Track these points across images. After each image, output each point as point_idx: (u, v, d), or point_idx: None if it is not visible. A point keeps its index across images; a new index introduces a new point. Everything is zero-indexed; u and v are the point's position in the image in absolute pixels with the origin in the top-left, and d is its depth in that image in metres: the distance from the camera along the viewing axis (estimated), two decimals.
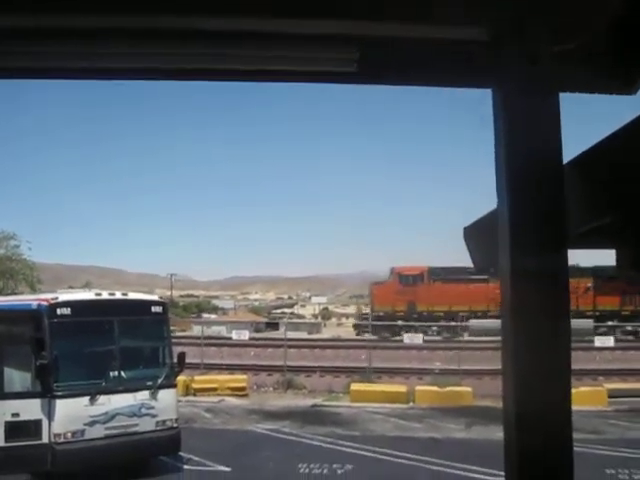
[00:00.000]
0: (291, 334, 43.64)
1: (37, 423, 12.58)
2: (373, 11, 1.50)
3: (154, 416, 13.68)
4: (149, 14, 1.50)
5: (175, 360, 14.77)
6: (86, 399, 12.87)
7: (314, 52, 1.63)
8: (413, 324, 42.33)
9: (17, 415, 12.44)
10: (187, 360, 20.62)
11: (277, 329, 47.75)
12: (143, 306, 14.73)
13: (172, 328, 41.34)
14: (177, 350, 15.75)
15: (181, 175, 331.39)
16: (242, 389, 25.65)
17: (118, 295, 14.60)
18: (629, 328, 42.00)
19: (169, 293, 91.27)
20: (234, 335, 32.24)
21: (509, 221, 1.47)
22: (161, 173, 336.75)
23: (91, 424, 12.85)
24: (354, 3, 1.52)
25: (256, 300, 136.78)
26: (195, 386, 25.40)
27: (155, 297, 15.52)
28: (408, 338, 32.53)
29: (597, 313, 42.58)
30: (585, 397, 21.06)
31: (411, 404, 22.87)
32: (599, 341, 29.68)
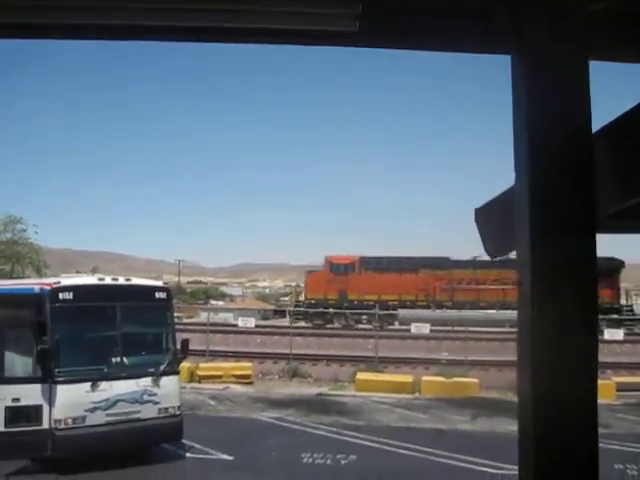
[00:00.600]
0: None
1: (38, 408, 12.46)
2: None
3: (156, 403, 13.55)
4: None
5: (179, 347, 14.63)
6: (87, 385, 12.74)
7: (312, 7, 1.43)
8: (344, 312, 43.87)
9: (18, 400, 12.33)
10: (192, 347, 20.57)
11: (284, 317, 47.76)
12: (146, 292, 14.56)
13: (179, 314, 41.70)
14: (183, 337, 15.64)
15: (191, 161, 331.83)
16: (247, 377, 25.55)
17: (121, 280, 14.44)
18: None
19: (177, 279, 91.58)
20: (240, 322, 32.09)
21: (529, 200, 1.28)
22: (171, 158, 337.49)
23: (92, 410, 12.73)
24: None
25: (265, 287, 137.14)
26: (200, 373, 25.34)
27: (159, 283, 15.34)
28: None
29: None
30: None
31: (417, 394, 22.72)
32: (608, 334, 29.37)
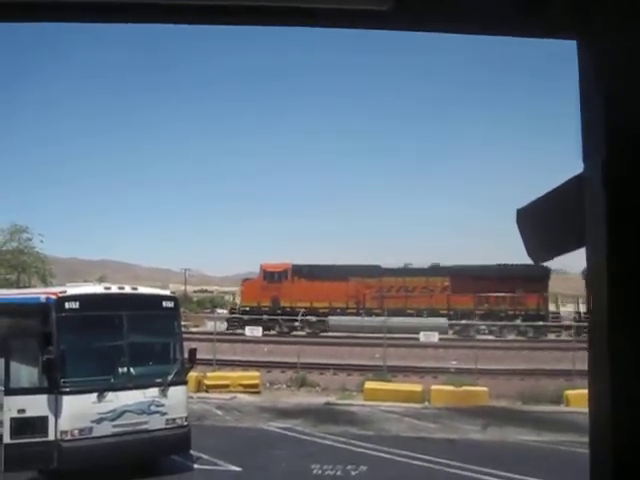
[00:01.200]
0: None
1: (43, 420, 12.28)
2: None
3: (164, 414, 13.36)
4: None
5: (186, 356, 14.46)
6: (94, 396, 12.56)
7: None
8: (277, 318, 44.66)
9: (23, 411, 12.14)
10: (200, 356, 20.43)
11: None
12: (153, 301, 14.41)
13: (186, 323, 41.59)
14: (190, 346, 15.47)
15: (196, 170, 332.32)
16: (255, 386, 25.36)
17: (128, 289, 14.28)
18: (483, 327, 43.48)
19: (183, 288, 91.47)
20: (247, 332, 31.94)
21: (605, 196, 1.12)
22: (175, 167, 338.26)
23: (99, 421, 12.55)
24: None
25: None
26: (207, 382, 25.17)
27: (166, 292, 15.18)
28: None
29: (451, 312, 44.17)
30: None
31: (426, 403, 22.49)
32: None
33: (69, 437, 12.29)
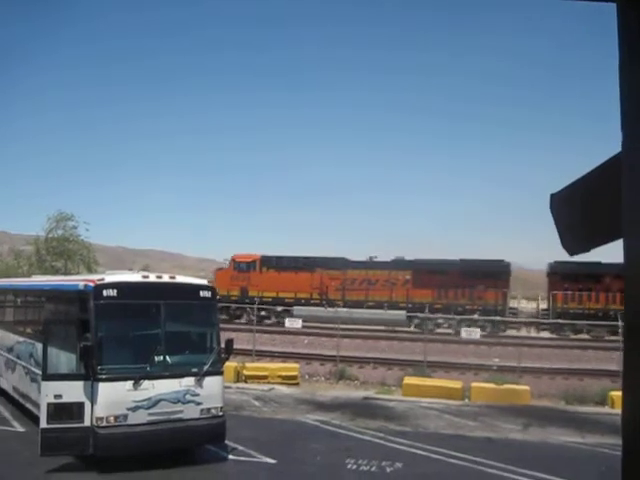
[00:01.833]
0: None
1: (80, 406, 12.34)
2: None
3: (199, 403, 13.32)
4: None
5: (223, 346, 14.40)
6: (130, 383, 12.58)
7: None
8: (245, 307, 45.01)
9: (60, 397, 12.21)
10: (239, 346, 20.43)
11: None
12: (191, 290, 14.35)
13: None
14: (230, 336, 15.40)
15: (241, 159, 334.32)
16: (293, 378, 25.31)
17: (165, 278, 14.25)
18: (441, 321, 44.05)
19: None
20: (287, 323, 31.88)
21: None
22: (222, 157, 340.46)
23: (134, 409, 12.57)
24: None
25: None
26: (246, 373, 25.22)
27: (204, 281, 15.11)
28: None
29: (410, 305, 44.53)
30: None
31: (466, 401, 22.17)
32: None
33: (104, 424, 12.33)
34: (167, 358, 13.25)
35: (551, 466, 14.08)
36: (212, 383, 13.61)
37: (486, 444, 16.20)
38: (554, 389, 24.44)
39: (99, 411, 12.33)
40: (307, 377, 26.98)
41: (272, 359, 29.62)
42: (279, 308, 45.90)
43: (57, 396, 12.21)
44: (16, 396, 17.57)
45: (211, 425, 13.43)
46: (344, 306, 44.96)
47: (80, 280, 14.18)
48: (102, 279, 13.34)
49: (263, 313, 45.55)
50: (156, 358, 13.12)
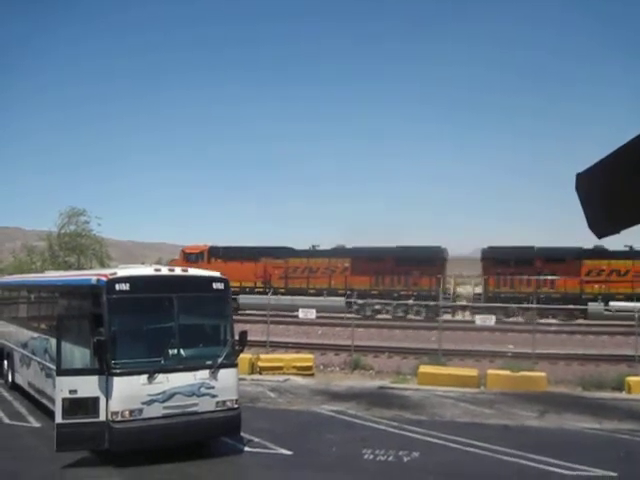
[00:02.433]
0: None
1: (94, 400, 12.33)
2: None
3: (214, 396, 13.27)
4: None
5: (237, 338, 14.35)
6: (144, 377, 12.53)
7: None
8: None
9: (75, 392, 12.20)
10: (253, 338, 20.38)
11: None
12: (204, 282, 14.30)
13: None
14: (243, 327, 15.35)
15: (255, 152, 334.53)
16: (308, 368, 25.26)
17: (178, 271, 14.21)
18: (377, 307, 45.93)
19: None
20: (301, 314, 31.81)
21: None
22: (230, 150, 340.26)
23: (149, 403, 12.53)
24: None
25: None
26: (261, 364, 25.19)
27: (216, 273, 15.02)
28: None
29: (349, 292, 45.45)
30: None
31: (482, 388, 22.05)
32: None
33: (120, 418, 12.31)
34: (181, 351, 13.20)
35: (569, 453, 13.97)
36: (227, 375, 13.56)
37: (503, 432, 16.10)
38: (570, 375, 24.27)
39: (114, 405, 12.31)
40: (322, 367, 26.93)
41: (286, 350, 29.59)
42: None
43: (72, 391, 12.20)
44: (31, 391, 17.62)
45: (226, 417, 13.38)
46: (286, 294, 46.64)
47: (93, 275, 14.14)
48: (114, 273, 13.30)
49: None
50: (170, 351, 13.08)
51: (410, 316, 45.27)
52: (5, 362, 21.31)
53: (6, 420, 16.48)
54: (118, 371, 12.39)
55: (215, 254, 50.19)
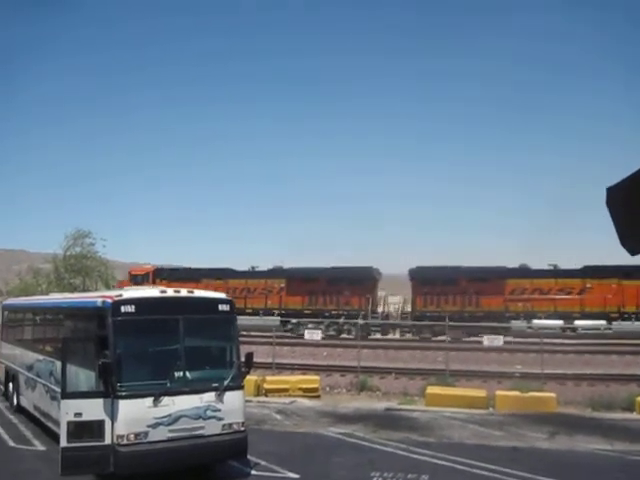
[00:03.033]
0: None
1: (100, 424, 12.20)
2: None
3: (220, 419, 13.13)
4: None
5: (243, 360, 14.23)
6: (150, 400, 12.40)
7: None
8: None
9: (80, 415, 12.09)
10: (259, 359, 20.23)
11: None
12: (209, 304, 14.21)
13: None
14: (250, 349, 15.23)
15: (265, 169, 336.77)
16: (314, 390, 25.08)
17: (184, 292, 14.12)
18: (310, 326, 45.62)
19: None
20: (306, 335, 31.68)
21: None
22: (242, 166, 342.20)
23: (155, 426, 12.39)
24: None
25: None
26: (266, 386, 25.02)
27: (222, 295, 14.95)
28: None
29: (283, 311, 47.95)
30: None
31: (491, 410, 21.83)
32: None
33: (125, 441, 12.16)
34: (187, 374, 13.07)
35: (580, 475, 13.78)
36: (233, 398, 13.42)
37: (512, 454, 15.88)
38: (580, 396, 24.03)
39: (119, 429, 12.18)
40: (328, 389, 26.74)
41: (292, 372, 29.42)
42: None
43: (77, 414, 12.08)
44: (36, 414, 17.49)
45: (233, 440, 13.24)
46: None
47: (98, 297, 14.06)
48: (120, 295, 13.22)
49: None
50: (176, 374, 12.96)
51: (344, 335, 46.44)
52: (10, 385, 21.21)
53: (11, 443, 16.35)
54: (124, 394, 12.26)
55: (160, 275, 51.00)
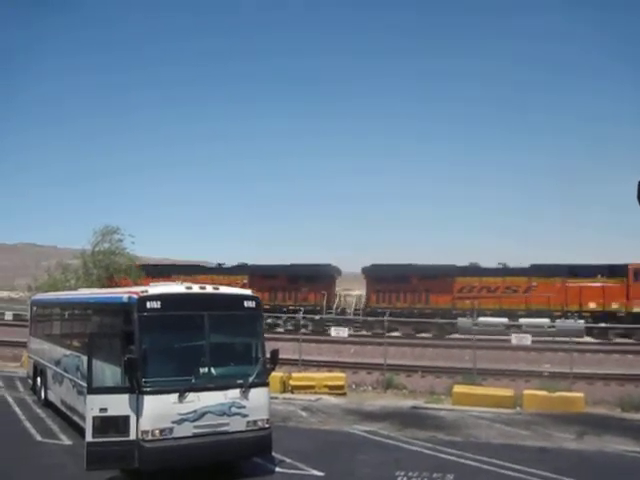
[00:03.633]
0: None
1: (125, 419, 12.22)
2: None
3: (245, 415, 13.11)
4: None
5: (268, 357, 14.19)
6: (175, 396, 12.40)
7: None
8: None
9: (105, 410, 12.12)
10: (285, 356, 20.22)
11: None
12: (235, 300, 14.18)
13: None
14: (276, 346, 15.19)
15: (286, 168, 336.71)
16: (340, 387, 25.01)
17: (209, 289, 14.11)
18: (269, 321, 46.99)
19: None
20: (333, 332, 31.63)
21: None
22: (261, 167, 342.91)
23: (179, 422, 12.40)
24: None
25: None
26: (292, 383, 25.04)
27: (248, 292, 14.91)
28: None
29: None
30: None
31: (518, 409, 21.59)
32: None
33: (150, 437, 12.17)
34: (212, 370, 13.06)
35: (608, 477, 13.57)
36: (258, 395, 13.40)
37: (539, 454, 15.67)
38: (609, 396, 23.70)
39: (144, 424, 12.20)
40: (354, 386, 26.68)
41: (318, 369, 29.40)
42: None
43: (102, 409, 12.11)
44: (63, 409, 17.64)
45: (257, 437, 13.21)
46: None
47: (124, 292, 14.11)
48: (146, 291, 13.23)
49: None
50: (201, 370, 12.95)
51: (303, 330, 46.35)
52: (38, 379, 21.44)
53: (38, 437, 16.49)
54: (149, 389, 12.27)
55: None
